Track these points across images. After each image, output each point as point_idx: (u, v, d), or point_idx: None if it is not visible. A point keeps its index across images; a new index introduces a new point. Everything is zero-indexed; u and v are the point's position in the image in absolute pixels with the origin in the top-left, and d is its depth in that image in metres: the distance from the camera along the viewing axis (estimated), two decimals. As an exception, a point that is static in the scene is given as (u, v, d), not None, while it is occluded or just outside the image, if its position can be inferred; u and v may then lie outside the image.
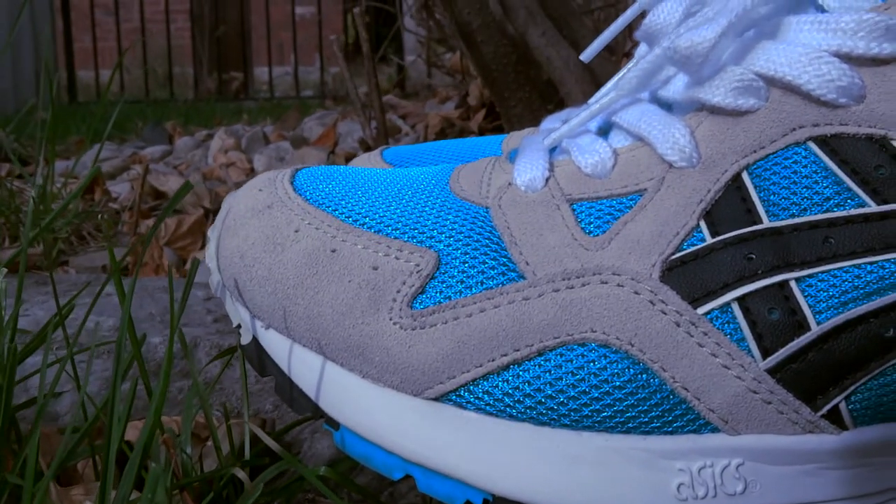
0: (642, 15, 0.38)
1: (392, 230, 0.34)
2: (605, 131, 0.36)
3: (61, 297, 0.61)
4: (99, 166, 1.09)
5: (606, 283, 0.31)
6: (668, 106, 0.35)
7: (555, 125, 0.41)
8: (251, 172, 1.13)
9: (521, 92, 0.91)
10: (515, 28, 0.90)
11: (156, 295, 0.62)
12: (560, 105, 0.91)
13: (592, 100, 0.39)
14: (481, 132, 1.14)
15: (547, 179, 0.34)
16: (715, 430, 0.30)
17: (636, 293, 0.30)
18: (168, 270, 0.39)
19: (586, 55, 0.41)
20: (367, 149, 1.08)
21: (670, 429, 0.30)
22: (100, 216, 0.82)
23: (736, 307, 0.30)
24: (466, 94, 1.22)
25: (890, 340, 0.29)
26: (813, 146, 0.31)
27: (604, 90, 0.38)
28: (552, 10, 0.93)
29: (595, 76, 0.89)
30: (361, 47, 0.99)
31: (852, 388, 0.29)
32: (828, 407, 0.30)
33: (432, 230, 0.34)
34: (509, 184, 0.35)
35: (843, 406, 0.30)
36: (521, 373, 0.31)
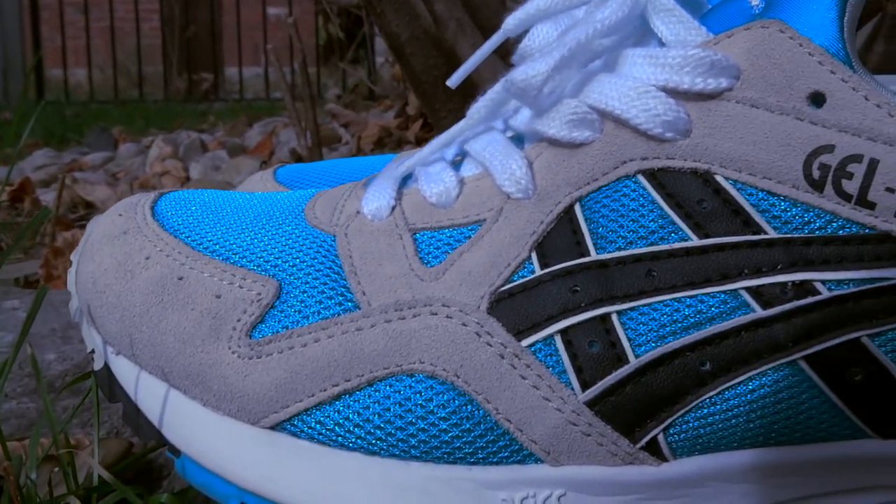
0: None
1: (239, 258, 0.34)
2: (460, 159, 0.37)
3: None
4: (27, 176, 1.09)
5: (436, 314, 0.31)
6: (519, 136, 0.35)
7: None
8: (186, 181, 1.13)
9: (452, 103, 0.91)
10: (446, 40, 0.90)
11: (61, 309, 0.62)
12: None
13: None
14: (419, 142, 1.14)
15: (393, 208, 0.34)
16: (538, 460, 0.30)
17: (464, 325, 0.31)
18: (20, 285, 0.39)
19: (452, 81, 0.41)
20: (298, 159, 1.09)
21: (495, 459, 0.31)
22: (25, 226, 0.82)
23: (559, 339, 0.30)
24: (406, 104, 1.23)
25: (705, 374, 0.29)
26: (642, 179, 0.31)
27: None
28: (484, 22, 0.94)
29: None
30: (333, 49, 0.99)
31: (669, 420, 0.30)
32: (646, 439, 0.30)
33: (277, 258, 0.34)
34: (357, 212, 0.35)
35: (661, 438, 0.30)
36: (351, 403, 0.31)
